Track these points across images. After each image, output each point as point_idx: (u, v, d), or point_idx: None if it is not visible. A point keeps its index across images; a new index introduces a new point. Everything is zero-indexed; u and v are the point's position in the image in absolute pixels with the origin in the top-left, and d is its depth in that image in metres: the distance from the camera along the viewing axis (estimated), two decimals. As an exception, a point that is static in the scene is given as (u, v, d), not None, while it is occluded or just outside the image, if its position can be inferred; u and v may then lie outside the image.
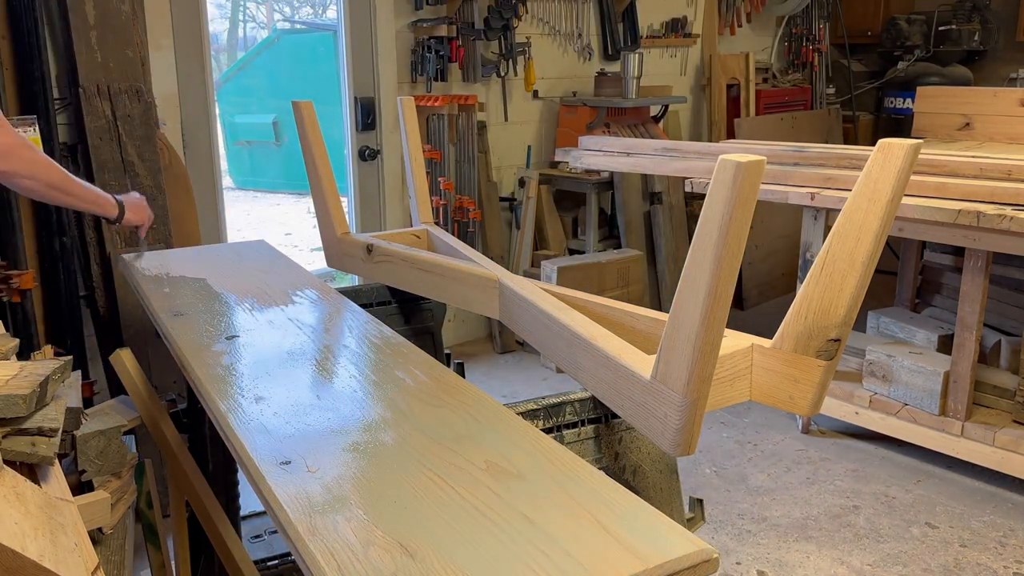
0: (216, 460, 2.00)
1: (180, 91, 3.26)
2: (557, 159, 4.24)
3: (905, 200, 2.74)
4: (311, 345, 1.59)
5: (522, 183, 4.38)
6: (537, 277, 4.01)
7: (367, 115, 3.90)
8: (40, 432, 1.08)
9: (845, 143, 5.65)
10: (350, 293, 2.12)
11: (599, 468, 1.15)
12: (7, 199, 2.60)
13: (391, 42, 3.88)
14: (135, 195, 2.16)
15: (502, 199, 4.40)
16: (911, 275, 3.84)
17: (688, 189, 3.39)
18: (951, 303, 3.50)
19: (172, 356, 1.63)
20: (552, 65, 4.55)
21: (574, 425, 1.44)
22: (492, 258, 3.31)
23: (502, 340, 4.36)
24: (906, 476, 3.08)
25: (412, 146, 2.31)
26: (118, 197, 2.08)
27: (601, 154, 3.80)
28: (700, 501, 1.64)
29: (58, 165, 1.90)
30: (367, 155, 3.95)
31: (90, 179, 2.68)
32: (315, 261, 6.03)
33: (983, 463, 2.93)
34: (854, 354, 3.35)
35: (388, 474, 1.08)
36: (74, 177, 1.95)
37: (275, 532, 2.39)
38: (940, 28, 5.85)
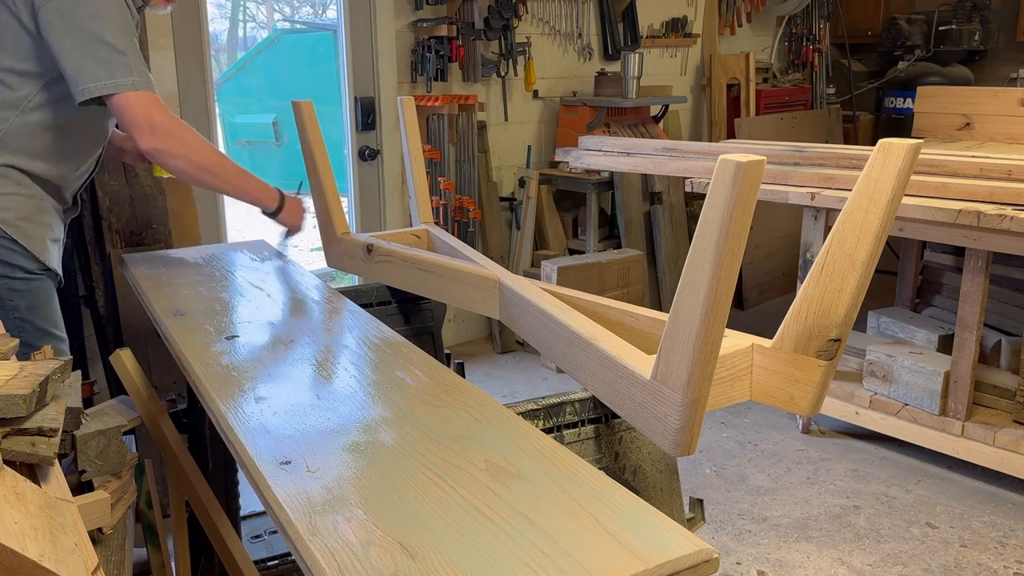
0: (216, 460, 2.00)
1: (180, 91, 3.26)
2: (557, 159, 4.24)
3: (905, 200, 2.74)
4: (311, 345, 1.59)
5: (522, 183, 4.38)
6: (537, 277, 4.01)
7: (367, 115, 3.90)
8: (40, 432, 1.07)
9: (845, 143, 5.65)
10: (350, 293, 2.12)
11: (599, 468, 1.15)
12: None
13: (391, 42, 3.88)
14: (298, 198, 2.24)
15: (502, 199, 4.40)
16: (911, 275, 3.84)
17: (688, 189, 3.39)
18: (951, 303, 3.50)
19: (172, 356, 1.63)
20: (552, 65, 4.55)
21: (574, 425, 1.44)
22: (492, 258, 3.31)
23: (502, 340, 4.36)
24: (906, 476, 3.08)
25: (412, 146, 2.31)
26: (286, 193, 2.17)
27: (601, 154, 3.80)
28: (700, 501, 1.64)
29: (217, 151, 2.01)
30: (367, 155, 3.95)
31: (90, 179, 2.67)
32: (315, 261, 6.02)
33: (983, 463, 2.93)
34: (854, 354, 3.35)
35: (388, 474, 1.08)
36: (234, 165, 2.04)
37: (275, 532, 2.39)
38: (940, 28, 5.85)
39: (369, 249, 2.07)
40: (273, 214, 2.15)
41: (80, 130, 2.00)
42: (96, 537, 1.37)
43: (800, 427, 3.46)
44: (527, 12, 4.32)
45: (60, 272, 2.08)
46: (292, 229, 2.26)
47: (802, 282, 1.25)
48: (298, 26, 10.23)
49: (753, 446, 3.34)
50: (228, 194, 2.11)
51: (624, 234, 4.54)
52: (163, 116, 1.88)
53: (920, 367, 3.05)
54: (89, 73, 1.80)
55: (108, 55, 1.80)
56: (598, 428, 1.46)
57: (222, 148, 4.93)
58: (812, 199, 3.03)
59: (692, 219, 4.83)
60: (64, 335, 2.10)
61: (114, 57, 1.81)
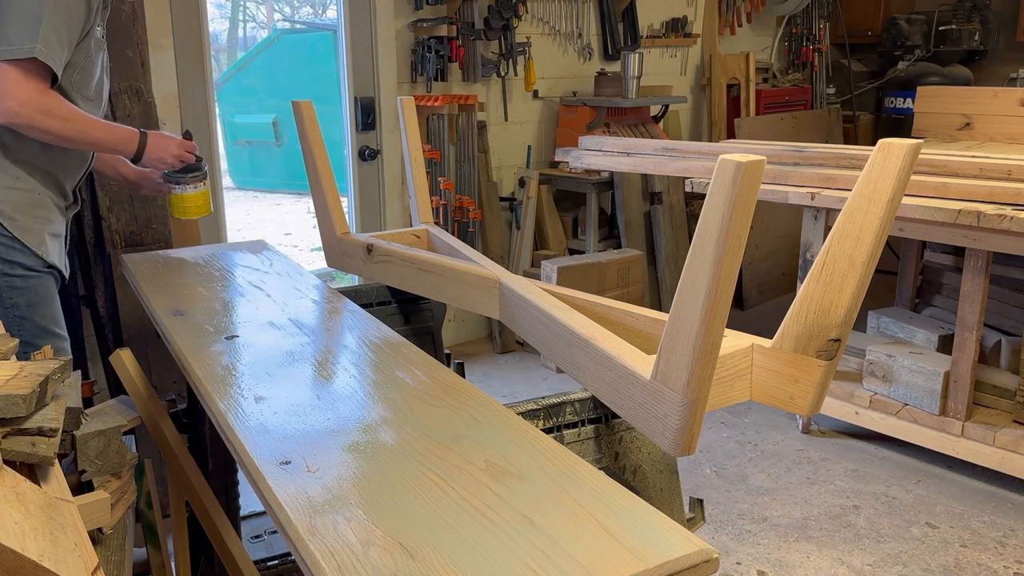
0: (216, 460, 2.00)
1: (180, 91, 3.26)
2: (557, 159, 4.24)
3: (905, 200, 2.74)
4: (311, 345, 1.59)
5: (522, 183, 4.38)
6: (537, 277, 4.01)
7: (367, 115, 3.90)
8: (40, 432, 1.07)
9: (845, 143, 5.65)
10: (350, 293, 2.12)
11: (599, 468, 1.15)
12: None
13: (391, 42, 3.88)
14: (169, 134, 2.15)
15: (502, 199, 4.40)
16: (911, 275, 3.84)
17: (688, 189, 3.39)
18: (951, 303, 3.50)
19: (172, 356, 1.63)
20: (552, 65, 4.55)
21: (574, 425, 1.44)
22: (492, 258, 3.31)
23: (502, 340, 4.36)
24: (906, 476, 3.08)
25: (412, 146, 2.31)
26: (149, 132, 2.07)
27: (601, 154, 3.80)
28: (700, 501, 1.64)
29: (76, 119, 1.92)
30: (367, 155, 3.95)
31: (90, 179, 2.67)
32: (315, 261, 6.03)
33: (983, 463, 2.93)
34: (854, 354, 3.35)
35: (388, 474, 1.08)
36: (94, 123, 1.97)
37: (275, 532, 2.39)
38: (940, 28, 5.85)
39: (369, 249, 2.07)
40: (136, 159, 2.07)
41: None
42: (96, 537, 1.37)
43: (800, 427, 3.47)
44: (527, 12, 4.32)
45: (63, 269, 2.08)
46: (163, 165, 2.14)
47: (802, 282, 1.25)
48: (298, 26, 10.24)
49: (753, 446, 3.34)
50: (92, 151, 2.13)
51: (624, 234, 4.54)
52: (27, 91, 1.83)
53: (920, 367, 3.05)
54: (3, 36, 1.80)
55: (24, 22, 1.80)
56: (598, 428, 1.46)
57: (222, 148, 4.94)
58: (812, 199, 3.03)
59: (692, 219, 4.83)
60: (65, 333, 2.10)
61: (28, 24, 1.79)
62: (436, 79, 3.96)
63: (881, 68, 6.23)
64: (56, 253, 2.05)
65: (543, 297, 1.59)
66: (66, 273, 2.11)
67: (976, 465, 2.98)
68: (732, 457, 3.25)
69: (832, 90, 6.26)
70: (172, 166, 2.14)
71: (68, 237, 2.17)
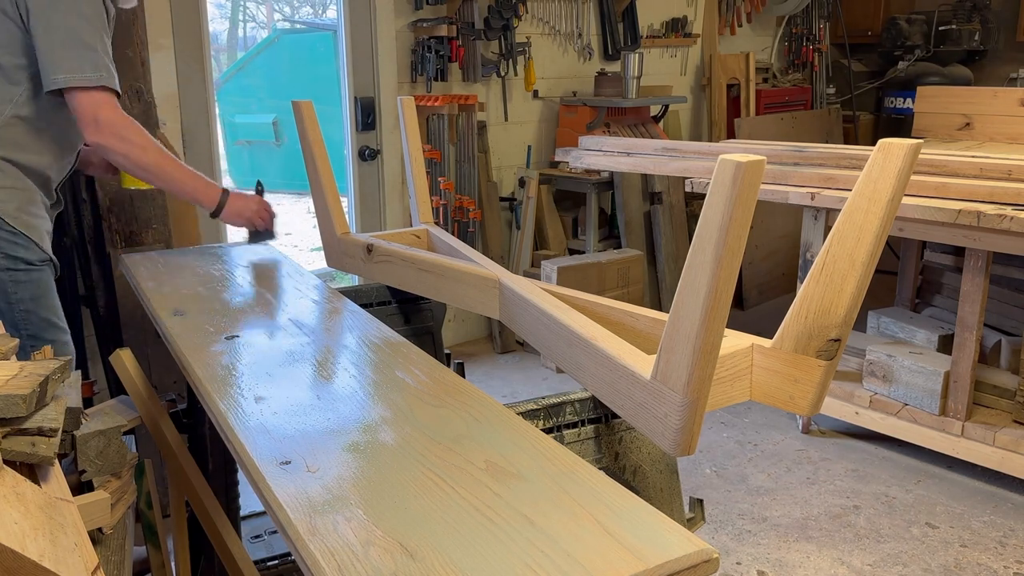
0: (216, 460, 2.00)
1: (180, 91, 3.26)
2: (557, 159, 4.25)
3: (905, 200, 2.74)
4: (311, 345, 1.59)
5: (522, 183, 4.38)
6: (537, 277, 4.01)
7: (367, 115, 3.90)
8: (40, 432, 1.07)
9: (845, 143, 5.65)
10: (350, 293, 2.12)
11: (599, 468, 1.15)
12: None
13: (391, 42, 3.88)
14: (249, 194, 2.29)
15: (502, 199, 4.40)
16: (911, 275, 3.84)
17: (688, 189, 3.39)
18: (951, 303, 3.50)
19: (172, 356, 1.63)
20: (552, 65, 4.55)
21: (574, 425, 1.44)
22: (492, 258, 3.31)
23: (502, 340, 4.36)
24: (906, 476, 3.08)
25: (412, 146, 2.31)
26: (234, 192, 2.19)
27: (601, 154, 3.80)
28: (700, 501, 1.64)
29: (161, 150, 2.04)
30: (367, 155, 3.95)
31: (90, 179, 2.68)
32: (315, 261, 6.03)
33: (983, 463, 2.93)
34: (854, 354, 3.35)
35: (388, 474, 1.08)
36: (177, 164, 2.09)
37: (275, 532, 2.39)
38: (940, 28, 5.85)
39: (369, 249, 2.07)
40: (215, 214, 2.18)
41: (69, 121, 2.04)
42: (96, 537, 1.37)
43: (800, 427, 3.47)
44: (527, 12, 4.32)
45: (57, 262, 2.13)
46: (251, 228, 2.30)
47: (802, 282, 1.26)
48: (298, 26, 10.24)
49: (753, 446, 3.34)
50: (169, 191, 2.20)
51: (624, 234, 4.54)
52: (110, 113, 1.95)
53: (920, 367, 3.05)
54: (58, 65, 1.89)
55: (78, 49, 1.89)
56: (598, 428, 1.46)
57: (221, 148, 4.94)
58: (812, 199, 3.03)
59: (692, 219, 4.83)
60: (65, 325, 2.15)
61: (83, 52, 1.90)
62: (436, 79, 3.96)
63: (881, 68, 6.23)
64: (50, 247, 2.10)
65: (543, 297, 1.59)
66: (59, 264, 2.16)
67: (976, 465, 2.98)
68: (732, 457, 3.25)
69: (832, 90, 6.26)
70: (252, 223, 2.27)
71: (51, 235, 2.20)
